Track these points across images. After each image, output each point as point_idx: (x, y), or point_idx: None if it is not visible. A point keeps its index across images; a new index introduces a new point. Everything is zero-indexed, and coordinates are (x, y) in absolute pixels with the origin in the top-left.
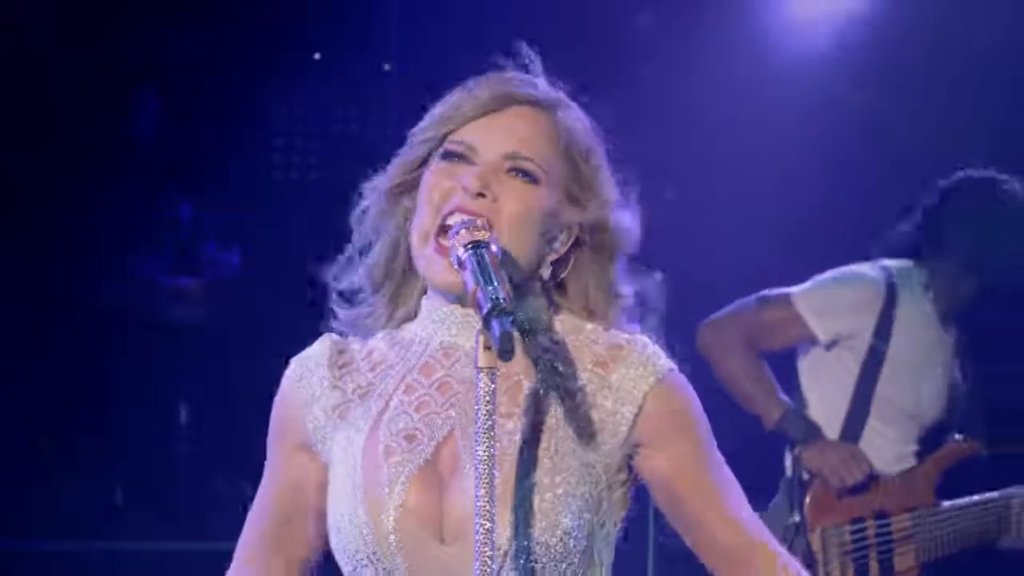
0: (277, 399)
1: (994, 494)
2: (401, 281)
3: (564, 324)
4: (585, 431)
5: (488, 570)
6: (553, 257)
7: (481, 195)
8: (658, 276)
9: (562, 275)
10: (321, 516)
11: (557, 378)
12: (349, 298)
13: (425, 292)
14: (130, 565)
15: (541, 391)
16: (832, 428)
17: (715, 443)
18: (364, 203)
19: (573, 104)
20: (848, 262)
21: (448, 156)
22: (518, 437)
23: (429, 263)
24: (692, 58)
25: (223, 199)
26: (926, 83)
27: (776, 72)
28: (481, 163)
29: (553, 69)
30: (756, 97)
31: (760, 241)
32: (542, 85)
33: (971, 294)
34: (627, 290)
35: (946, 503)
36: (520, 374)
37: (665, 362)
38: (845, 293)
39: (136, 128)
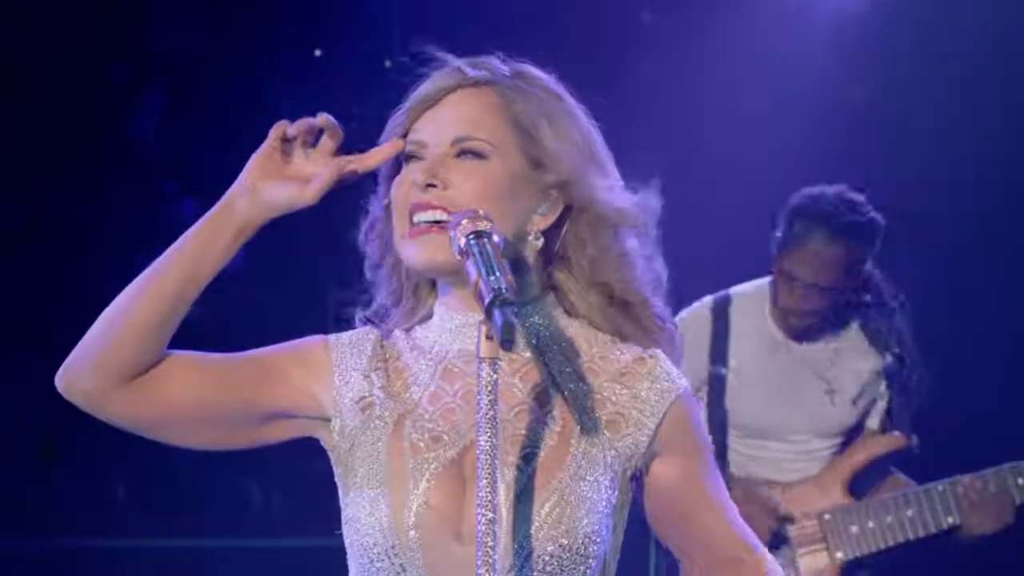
0: (307, 351)
1: (943, 480)
2: (415, 282)
3: (580, 332)
4: (612, 438)
5: (490, 560)
6: (541, 224)
7: (431, 185)
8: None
9: (559, 243)
10: (247, 419)
11: (584, 385)
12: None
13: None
14: (132, 563)
15: (567, 397)
16: None
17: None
18: (368, 220)
19: (531, 72)
20: None
21: (407, 159)
22: (544, 441)
23: (404, 250)
24: (689, 55)
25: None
26: (924, 79)
27: (774, 69)
28: (431, 155)
29: (552, 66)
30: (754, 94)
31: (759, 238)
32: (488, 62)
33: (814, 306)
34: (634, 251)
35: (873, 499)
36: (546, 380)
37: (682, 378)
38: None
39: (137, 126)
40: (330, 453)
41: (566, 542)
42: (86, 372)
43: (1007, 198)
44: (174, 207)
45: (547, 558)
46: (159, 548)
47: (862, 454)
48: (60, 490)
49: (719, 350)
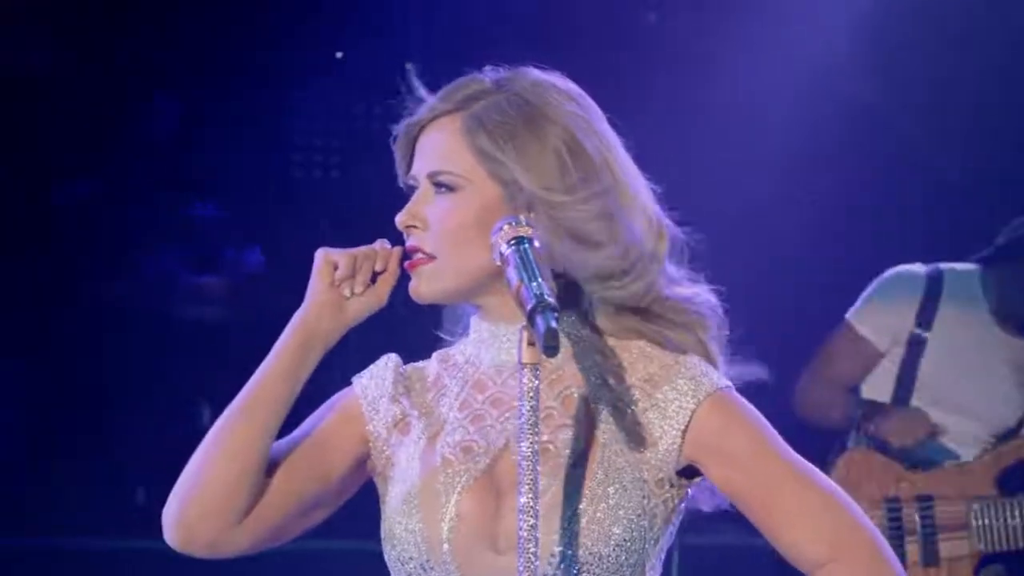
0: (342, 404)
1: None
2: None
3: (610, 339)
4: (636, 445)
5: (532, 567)
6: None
7: (412, 227)
8: None
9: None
10: (327, 491)
11: (608, 391)
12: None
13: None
14: (132, 562)
15: (593, 403)
16: None
17: (782, 449)
18: None
19: (516, 79)
20: (851, 258)
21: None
22: (571, 448)
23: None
24: (694, 55)
25: (245, 198)
26: (928, 79)
27: (776, 68)
28: (419, 188)
29: (567, 66)
30: (755, 94)
31: (760, 238)
32: (468, 83)
33: None
34: (620, 261)
35: (1020, 496)
36: (572, 386)
37: (714, 380)
38: (885, 294)
39: (157, 128)
40: (374, 477)
41: (598, 550)
42: (208, 521)
43: (1007, 197)
44: (194, 208)
45: (579, 566)
46: (160, 547)
47: (1013, 454)
48: (60, 490)
49: (927, 312)
